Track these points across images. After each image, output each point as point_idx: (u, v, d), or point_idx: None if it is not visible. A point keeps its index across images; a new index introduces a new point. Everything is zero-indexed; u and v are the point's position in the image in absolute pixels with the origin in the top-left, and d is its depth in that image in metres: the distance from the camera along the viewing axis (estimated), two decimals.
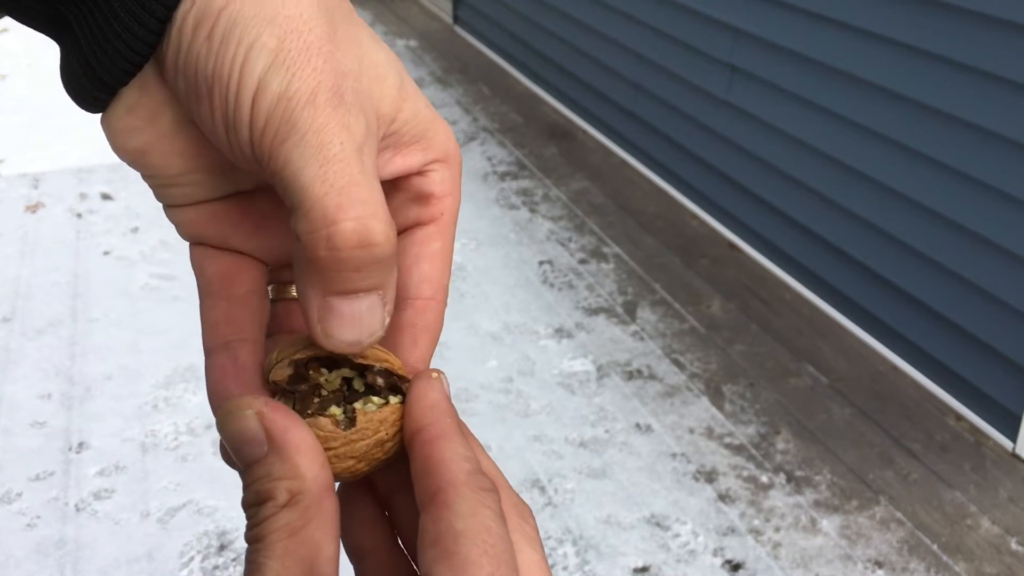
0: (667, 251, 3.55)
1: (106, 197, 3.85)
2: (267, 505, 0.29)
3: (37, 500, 2.33)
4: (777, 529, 2.29)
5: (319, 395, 0.33)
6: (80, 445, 2.51)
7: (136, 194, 3.85)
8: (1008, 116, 2.35)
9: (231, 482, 2.38)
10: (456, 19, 6.35)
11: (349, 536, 0.35)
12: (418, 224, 0.37)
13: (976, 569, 2.18)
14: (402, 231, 0.37)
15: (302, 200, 0.29)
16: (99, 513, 2.29)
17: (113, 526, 2.25)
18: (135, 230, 3.58)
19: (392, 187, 0.37)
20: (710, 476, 2.44)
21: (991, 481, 2.43)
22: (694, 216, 3.80)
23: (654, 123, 4.02)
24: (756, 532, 2.28)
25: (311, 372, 0.33)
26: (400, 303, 0.36)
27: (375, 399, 0.33)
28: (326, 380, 0.33)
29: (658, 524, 2.30)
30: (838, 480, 2.44)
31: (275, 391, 0.33)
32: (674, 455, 2.52)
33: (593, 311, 3.16)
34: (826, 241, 3.08)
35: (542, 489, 2.39)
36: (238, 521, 2.27)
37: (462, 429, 0.33)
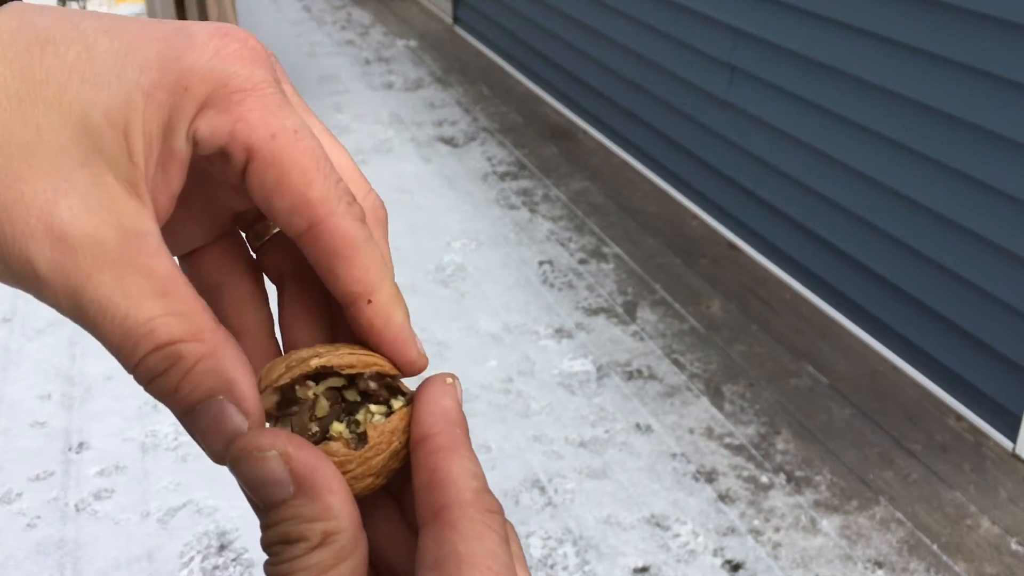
0: (667, 251, 3.55)
1: None
2: (298, 545, 0.28)
3: (37, 500, 2.33)
4: (777, 529, 2.29)
5: (313, 417, 0.32)
6: (80, 445, 2.51)
7: None
8: (1008, 116, 2.35)
9: (231, 482, 2.37)
10: (456, 19, 6.35)
11: (382, 559, 0.33)
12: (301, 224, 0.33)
13: (976, 569, 2.18)
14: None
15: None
16: (99, 513, 2.29)
17: (113, 526, 2.25)
18: None
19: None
20: (710, 476, 2.44)
21: (991, 481, 2.43)
22: (694, 216, 3.80)
23: (654, 123, 4.02)
24: (756, 532, 2.28)
25: (298, 391, 0.32)
26: (343, 306, 0.33)
27: (373, 407, 0.32)
28: (315, 396, 0.32)
29: (658, 524, 2.30)
30: (838, 480, 2.44)
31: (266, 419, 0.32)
32: (674, 455, 2.52)
33: (593, 311, 3.16)
34: (826, 241, 3.08)
35: (542, 489, 2.39)
36: (238, 521, 2.27)
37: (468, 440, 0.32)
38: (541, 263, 3.45)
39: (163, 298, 0.29)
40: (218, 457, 0.30)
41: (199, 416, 0.29)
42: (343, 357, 0.32)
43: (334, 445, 0.31)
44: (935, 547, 2.24)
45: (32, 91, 0.28)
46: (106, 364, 2.83)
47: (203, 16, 4.68)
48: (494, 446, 2.53)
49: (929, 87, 2.57)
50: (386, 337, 0.33)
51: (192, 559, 2.17)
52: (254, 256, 0.37)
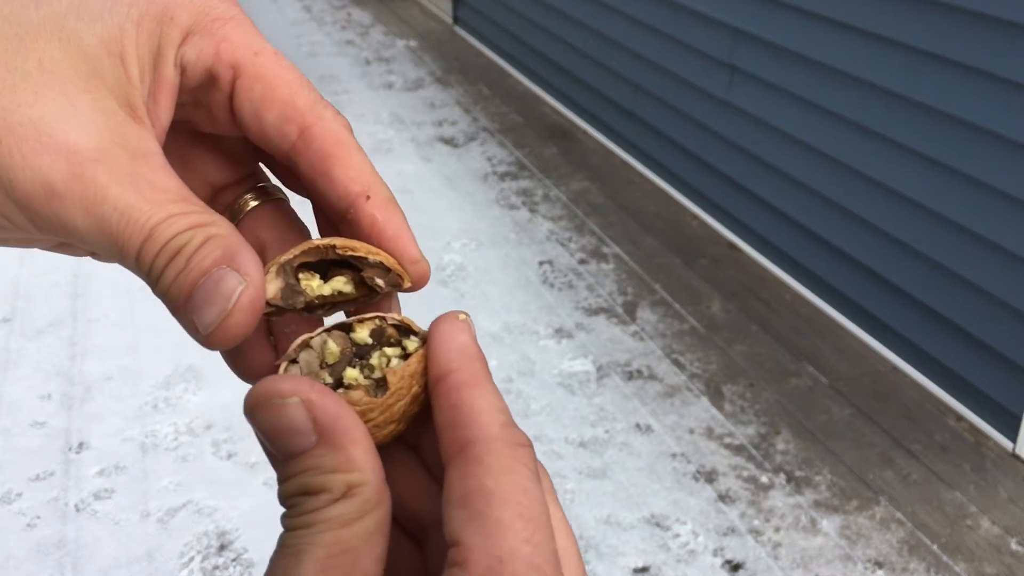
0: (667, 251, 3.55)
1: None
2: (319, 497, 0.27)
3: (37, 500, 2.33)
4: (777, 529, 2.29)
5: (324, 364, 0.31)
6: (80, 445, 2.51)
7: None
8: (1008, 116, 2.35)
9: (231, 482, 2.38)
10: (456, 19, 6.35)
11: (403, 509, 0.32)
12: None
13: (976, 569, 2.18)
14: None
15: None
16: (99, 513, 2.29)
17: (113, 526, 2.25)
18: None
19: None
20: (710, 476, 2.44)
21: (991, 481, 2.43)
22: (694, 216, 3.80)
23: (654, 123, 4.02)
24: (756, 532, 2.28)
25: (301, 280, 0.32)
26: (340, 214, 0.33)
27: (389, 350, 0.31)
28: (319, 292, 0.32)
29: (658, 524, 2.30)
30: (838, 480, 2.44)
31: (269, 310, 0.31)
32: (674, 455, 2.52)
33: (593, 311, 3.16)
34: (826, 241, 3.08)
35: None
36: (238, 521, 2.27)
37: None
38: (541, 263, 3.45)
39: (181, 203, 0.30)
40: (211, 330, 0.29)
41: (199, 289, 0.29)
42: (347, 241, 0.32)
43: (355, 394, 0.30)
44: (935, 547, 2.24)
45: (31, 32, 0.29)
46: (106, 364, 2.83)
47: None
48: None
49: (929, 87, 2.57)
50: (388, 232, 0.33)
51: (192, 559, 2.17)
52: None
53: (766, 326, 3.08)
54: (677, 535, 2.26)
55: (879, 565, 2.19)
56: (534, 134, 4.66)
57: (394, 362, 0.31)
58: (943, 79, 2.52)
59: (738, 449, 2.54)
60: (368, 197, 0.33)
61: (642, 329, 3.06)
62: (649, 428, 2.61)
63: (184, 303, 0.29)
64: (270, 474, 2.40)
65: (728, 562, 2.19)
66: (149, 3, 0.31)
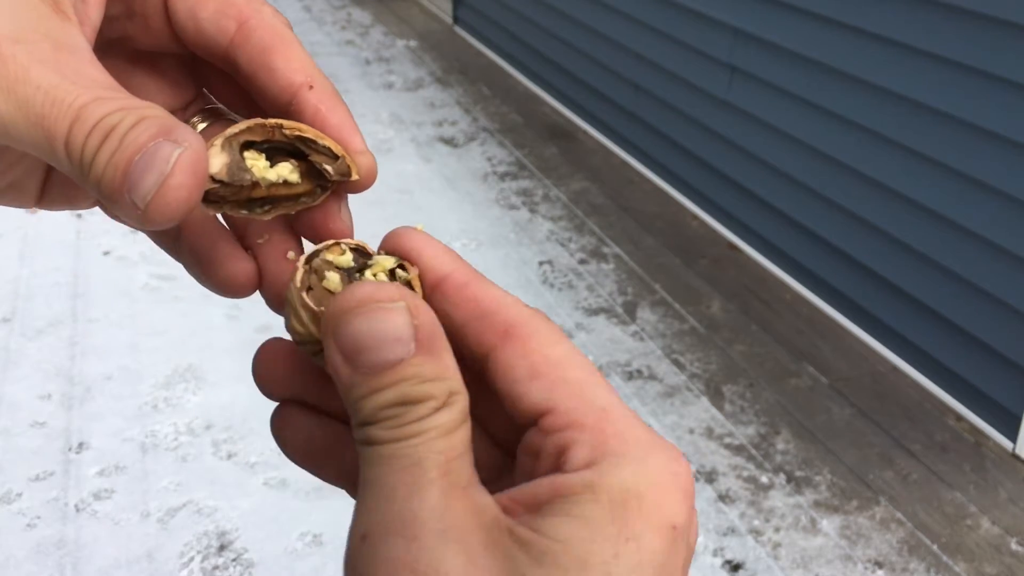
0: (667, 251, 3.55)
1: None
2: (424, 405, 0.26)
3: (37, 500, 2.33)
4: (777, 529, 2.29)
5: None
6: (80, 445, 2.51)
7: None
8: (1008, 116, 2.35)
9: (231, 482, 2.39)
10: (456, 19, 6.35)
11: None
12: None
13: (976, 569, 2.18)
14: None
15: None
16: (99, 513, 2.29)
17: (113, 526, 2.25)
18: (135, 230, 3.58)
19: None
20: (710, 476, 2.44)
21: (991, 481, 2.43)
22: (694, 216, 3.80)
23: (654, 123, 4.02)
24: (756, 532, 2.28)
25: (248, 160, 0.30)
26: (282, 108, 0.32)
27: (375, 266, 0.31)
28: (264, 177, 0.30)
29: None
30: (838, 480, 2.44)
31: (210, 195, 0.30)
32: None
33: (593, 311, 3.16)
34: (826, 241, 3.08)
35: None
36: (238, 521, 2.27)
37: None
38: (541, 263, 3.45)
39: (111, 89, 0.28)
40: (149, 200, 0.27)
41: (134, 166, 0.27)
42: (295, 123, 0.31)
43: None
44: (935, 547, 2.24)
45: None
46: (106, 364, 2.83)
47: None
48: None
49: (929, 87, 2.57)
50: (333, 121, 0.32)
51: (192, 559, 2.17)
52: None
53: (766, 326, 3.08)
54: None
55: (879, 565, 2.19)
56: (534, 134, 4.66)
57: (402, 274, 0.31)
58: (943, 79, 2.52)
59: (738, 449, 2.54)
60: (311, 87, 0.32)
61: (642, 329, 3.06)
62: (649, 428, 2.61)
63: (120, 184, 0.27)
64: (270, 474, 2.41)
65: (728, 562, 2.19)
66: None
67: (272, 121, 0.31)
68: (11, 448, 2.50)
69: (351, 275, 0.31)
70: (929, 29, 2.54)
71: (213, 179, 0.29)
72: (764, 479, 2.44)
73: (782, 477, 2.45)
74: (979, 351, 2.57)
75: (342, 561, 0.28)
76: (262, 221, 0.33)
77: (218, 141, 0.30)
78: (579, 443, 0.27)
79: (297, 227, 0.34)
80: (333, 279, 0.30)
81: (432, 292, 0.30)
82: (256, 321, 2.98)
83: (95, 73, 0.28)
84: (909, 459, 2.51)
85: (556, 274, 3.38)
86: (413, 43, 6.16)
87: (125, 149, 0.27)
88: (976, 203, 2.49)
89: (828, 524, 2.30)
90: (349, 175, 0.32)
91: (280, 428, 0.33)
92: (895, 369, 2.86)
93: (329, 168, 0.31)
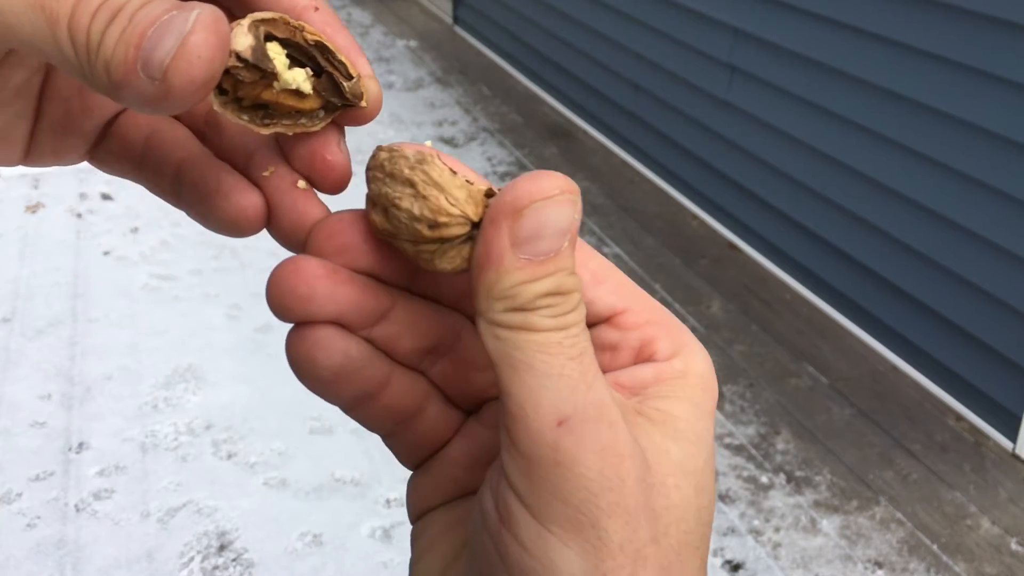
0: (667, 251, 3.55)
1: (106, 197, 3.85)
2: (572, 296, 0.28)
3: (37, 500, 2.33)
4: (777, 529, 2.29)
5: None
6: (80, 445, 2.51)
7: (136, 194, 3.85)
8: (1008, 116, 2.35)
9: (231, 482, 2.39)
10: (456, 19, 6.35)
11: (422, 335, 0.33)
12: None
13: (976, 569, 2.18)
14: None
15: None
16: (99, 513, 2.29)
17: (113, 526, 2.25)
18: (135, 230, 3.58)
19: None
20: None
21: (991, 481, 2.43)
22: (694, 216, 3.80)
23: (654, 123, 4.02)
24: (756, 532, 2.28)
25: (269, 48, 0.30)
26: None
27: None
28: (283, 71, 0.30)
29: None
30: (838, 480, 2.44)
31: (223, 85, 0.29)
32: None
33: None
34: (826, 241, 3.08)
35: None
36: (238, 521, 2.27)
37: None
38: None
39: None
40: (166, 66, 0.25)
41: (148, 40, 0.25)
42: (318, 31, 0.31)
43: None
44: (935, 547, 2.24)
45: None
46: (106, 364, 2.83)
47: None
48: None
49: (929, 87, 2.57)
50: (339, 43, 0.31)
51: (192, 559, 2.17)
52: None
53: (766, 326, 3.08)
54: None
55: (879, 565, 2.19)
56: (534, 134, 4.66)
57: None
58: (943, 79, 2.52)
59: (738, 449, 2.54)
60: (316, 8, 0.31)
61: None
62: None
63: (133, 60, 0.25)
64: (270, 474, 2.41)
65: (728, 562, 2.19)
66: None
67: (297, 21, 0.30)
68: (11, 448, 2.50)
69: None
70: (929, 29, 2.54)
71: (237, 56, 0.28)
72: (764, 479, 2.44)
73: (782, 477, 2.45)
74: (979, 351, 2.57)
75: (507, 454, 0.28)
76: (262, 149, 0.32)
77: (246, 22, 0.29)
78: (661, 337, 0.32)
79: (288, 154, 0.33)
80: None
81: None
82: (256, 321, 2.98)
83: None
84: (909, 459, 2.51)
85: None
86: (413, 43, 6.16)
87: (137, 24, 0.25)
88: (976, 203, 2.49)
89: (828, 524, 2.30)
90: (360, 98, 0.31)
91: (311, 349, 0.31)
92: (895, 369, 2.86)
93: (345, 84, 0.31)
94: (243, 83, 0.29)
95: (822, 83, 2.97)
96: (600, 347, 0.31)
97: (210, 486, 2.37)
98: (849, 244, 2.98)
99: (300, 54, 0.31)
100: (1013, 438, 2.51)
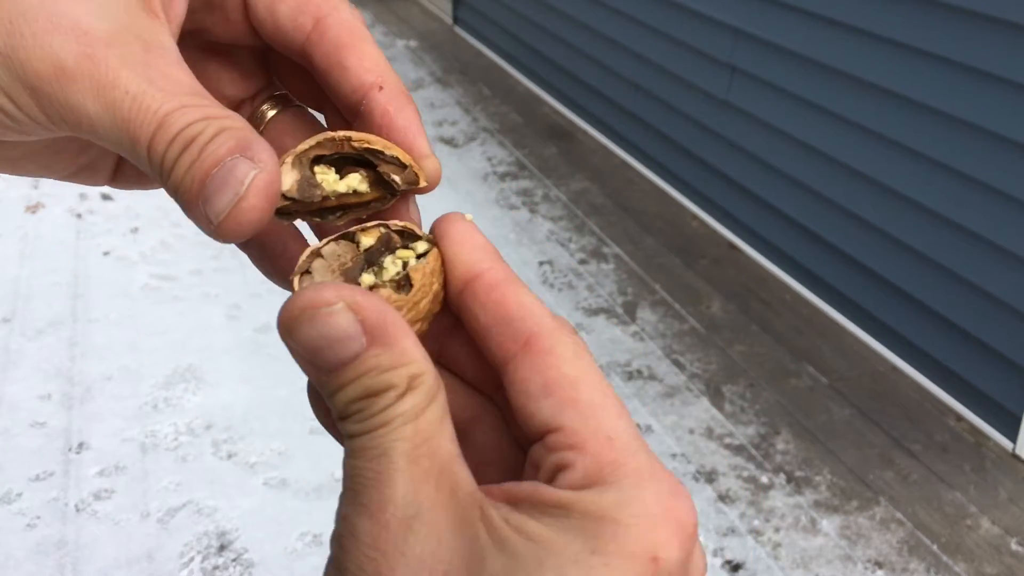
0: (667, 251, 3.55)
1: (106, 197, 3.85)
2: (386, 395, 0.27)
3: (37, 500, 2.33)
4: (777, 529, 2.29)
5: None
6: (80, 445, 2.51)
7: (136, 194, 3.85)
8: (1008, 116, 2.35)
9: (231, 482, 2.38)
10: (456, 19, 6.35)
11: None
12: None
13: (976, 569, 2.18)
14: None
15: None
16: (99, 513, 2.29)
17: (113, 526, 2.25)
18: (135, 230, 3.58)
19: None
20: (710, 476, 2.44)
21: (991, 481, 2.43)
22: (694, 216, 3.80)
23: (654, 123, 4.02)
24: (756, 532, 2.28)
25: (317, 174, 0.31)
26: (353, 107, 0.33)
27: (401, 252, 0.31)
28: (334, 186, 0.31)
29: None
30: (838, 480, 2.44)
31: (281, 210, 0.31)
32: (674, 455, 2.52)
33: (593, 311, 3.16)
34: (826, 241, 3.08)
35: None
36: (238, 521, 2.27)
37: None
38: (541, 263, 3.45)
39: (194, 96, 0.29)
40: (223, 218, 0.28)
41: (211, 179, 0.28)
42: (363, 134, 0.32)
43: (384, 291, 0.30)
44: (935, 547, 2.24)
45: None
46: (106, 364, 2.83)
47: None
48: None
49: (929, 87, 2.57)
50: (399, 123, 0.32)
51: (192, 559, 2.17)
52: None
53: (766, 326, 3.08)
54: None
55: (879, 565, 2.19)
56: (534, 134, 4.66)
57: (411, 263, 0.31)
58: (943, 79, 2.52)
59: (738, 449, 2.54)
60: (381, 88, 0.32)
61: (642, 329, 3.06)
62: (649, 428, 2.61)
63: (196, 194, 0.28)
64: (270, 474, 2.41)
65: (728, 562, 2.19)
66: None
67: (341, 135, 0.31)
68: (11, 448, 2.50)
69: (374, 257, 0.31)
70: (929, 29, 2.54)
71: (284, 196, 0.30)
72: (764, 479, 2.44)
73: (782, 477, 2.45)
74: (979, 351, 2.57)
75: None
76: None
77: (289, 159, 0.31)
78: (575, 466, 0.28)
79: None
80: (344, 257, 0.31)
81: (463, 289, 0.31)
82: (256, 321, 2.98)
83: (181, 75, 0.29)
84: (909, 459, 2.51)
85: (556, 274, 3.38)
86: (413, 43, 6.16)
87: (203, 161, 0.28)
88: (976, 203, 2.49)
89: (828, 524, 2.30)
90: (417, 183, 0.33)
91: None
92: (895, 369, 2.86)
93: (397, 178, 0.32)
94: (302, 203, 0.31)
95: (822, 83, 2.97)
96: (530, 464, 0.30)
97: (210, 486, 2.37)
98: (849, 244, 2.98)
99: (353, 158, 0.32)
100: (1013, 438, 2.51)
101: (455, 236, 0.31)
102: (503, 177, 4.18)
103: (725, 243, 3.59)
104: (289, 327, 0.27)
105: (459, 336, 0.32)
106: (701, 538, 2.29)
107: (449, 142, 4.57)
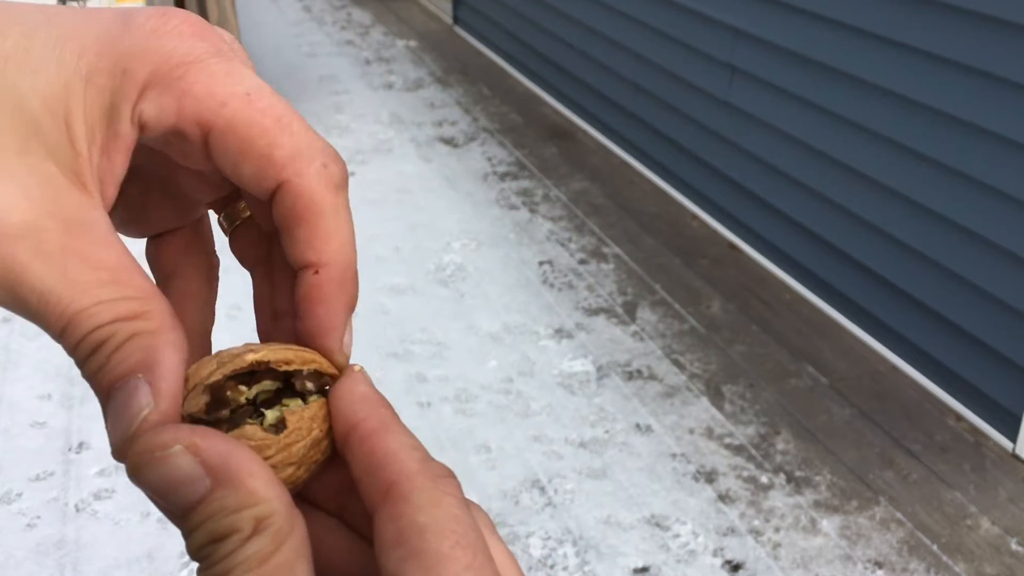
0: (667, 251, 3.55)
1: None
2: (230, 540, 0.26)
3: (37, 500, 2.33)
4: (777, 529, 2.29)
5: (239, 412, 0.30)
6: (80, 445, 2.51)
7: None
8: (1008, 116, 2.35)
9: None
10: (456, 19, 6.35)
11: (336, 572, 0.31)
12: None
13: (976, 569, 2.18)
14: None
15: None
16: (99, 513, 2.29)
17: (113, 526, 2.26)
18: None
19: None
20: (710, 476, 2.45)
21: (991, 481, 2.43)
22: (694, 216, 3.80)
23: (654, 123, 4.02)
24: (756, 532, 2.28)
25: (229, 393, 0.30)
26: (295, 270, 0.32)
27: (288, 401, 0.30)
28: (246, 399, 0.30)
29: (658, 524, 2.30)
30: (838, 480, 2.44)
31: (194, 423, 0.29)
32: (674, 455, 2.52)
33: (593, 311, 3.16)
34: (826, 241, 3.08)
35: (542, 489, 2.39)
36: None
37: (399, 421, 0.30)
38: (541, 263, 3.45)
39: (112, 286, 0.28)
40: (118, 449, 0.27)
41: (112, 397, 0.27)
42: (279, 352, 0.30)
43: (250, 429, 0.29)
44: (935, 547, 2.24)
45: None
46: None
47: (202, 15, 4.67)
48: (494, 446, 2.53)
49: (929, 87, 2.57)
50: (317, 312, 0.31)
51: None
52: (224, 241, 0.36)
53: (766, 326, 3.08)
54: (677, 535, 2.26)
55: (879, 565, 2.19)
56: (534, 134, 4.66)
57: (292, 405, 0.30)
58: (943, 79, 2.52)
59: (738, 449, 2.54)
60: (316, 272, 0.31)
61: (642, 329, 3.06)
62: (649, 428, 2.61)
63: (104, 402, 0.28)
64: None
65: (728, 562, 2.19)
66: (99, 54, 0.28)
67: (257, 358, 0.30)
68: (11, 448, 2.50)
69: (274, 396, 0.31)
70: (929, 29, 2.54)
71: (191, 417, 0.29)
72: (764, 479, 2.44)
73: (782, 477, 2.45)
74: (979, 351, 2.57)
75: None
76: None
77: (199, 387, 0.29)
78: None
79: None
80: (255, 429, 0.30)
81: (343, 443, 0.30)
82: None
83: (103, 256, 0.28)
84: (909, 459, 2.51)
85: (556, 274, 3.38)
86: (413, 43, 6.16)
87: (107, 372, 0.27)
88: (976, 203, 2.49)
89: (828, 524, 2.30)
90: (332, 382, 0.31)
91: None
92: (895, 369, 2.86)
93: (311, 385, 0.31)
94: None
95: (822, 83, 2.97)
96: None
97: None
98: (849, 244, 2.98)
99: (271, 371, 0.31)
100: (1013, 438, 2.51)
101: (339, 389, 0.30)
102: (503, 177, 4.18)
103: (725, 243, 3.59)
104: (135, 474, 0.27)
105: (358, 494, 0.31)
106: (701, 538, 2.30)
107: (449, 142, 4.57)
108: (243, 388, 0.30)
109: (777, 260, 3.36)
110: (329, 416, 0.30)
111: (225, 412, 0.29)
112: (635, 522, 2.30)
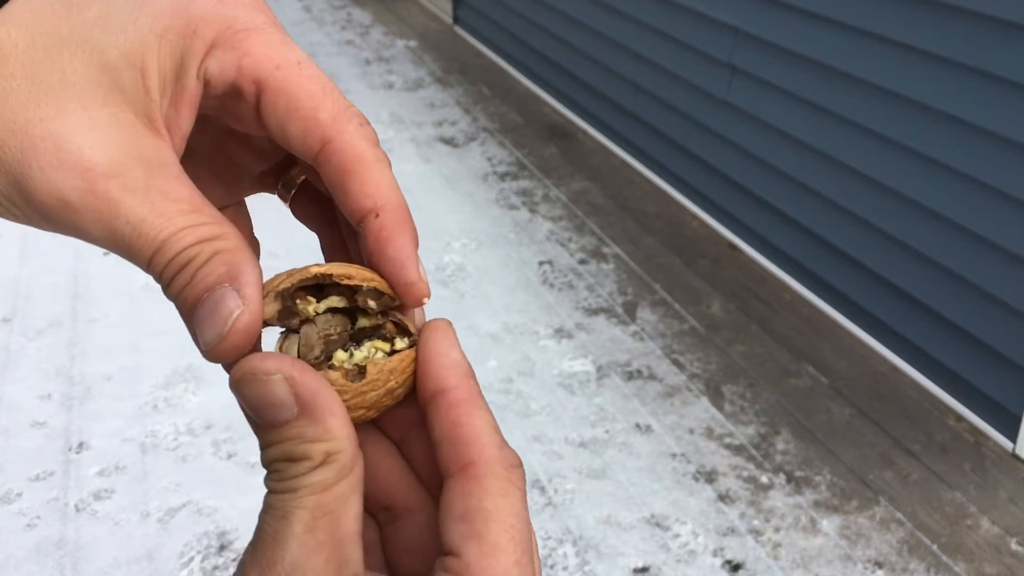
0: (667, 251, 3.55)
1: None
2: (301, 464, 0.29)
3: (37, 500, 2.33)
4: (777, 529, 2.29)
5: (320, 336, 0.33)
6: (80, 445, 2.51)
7: None
8: (1008, 116, 2.35)
9: (231, 482, 2.38)
10: (456, 19, 6.35)
11: (382, 492, 0.35)
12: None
13: (976, 569, 2.18)
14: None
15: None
16: (99, 513, 2.29)
17: (113, 526, 2.25)
18: None
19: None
20: (710, 476, 2.44)
21: (991, 481, 2.43)
22: (694, 216, 3.80)
23: (654, 123, 4.02)
24: (756, 532, 2.28)
25: (298, 303, 0.33)
26: (354, 226, 0.34)
27: (380, 343, 0.33)
28: (315, 312, 0.33)
29: (658, 524, 2.30)
30: (838, 480, 2.44)
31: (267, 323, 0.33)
32: (674, 455, 2.52)
33: (593, 311, 3.16)
34: (826, 241, 3.08)
35: (542, 489, 2.39)
36: (238, 521, 2.27)
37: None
38: (541, 263, 3.45)
39: (193, 214, 0.31)
40: (211, 349, 0.30)
41: (202, 305, 0.31)
42: (342, 267, 0.33)
43: (333, 374, 0.32)
44: (935, 547, 2.24)
45: (58, 43, 0.31)
46: (106, 364, 2.83)
47: None
48: None
49: (929, 87, 2.57)
50: (388, 252, 0.34)
51: (192, 559, 2.17)
52: (284, 209, 0.39)
53: (766, 326, 3.08)
54: (677, 535, 2.26)
55: (879, 565, 2.19)
56: (534, 134, 4.66)
57: (379, 355, 0.33)
58: (943, 79, 2.52)
59: (738, 449, 2.54)
60: (377, 215, 0.34)
61: (642, 329, 3.06)
62: (649, 428, 2.61)
63: (189, 316, 0.31)
64: None
65: (728, 562, 2.19)
66: (173, 16, 0.32)
67: (321, 270, 0.33)
68: (11, 448, 2.50)
69: (361, 337, 0.33)
70: (929, 29, 2.54)
71: (265, 322, 0.32)
72: (764, 479, 2.44)
73: (782, 477, 2.45)
74: (979, 351, 2.57)
75: None
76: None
77: (271, 294, 0.32)
78: None
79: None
80: (330, 329, 0.33)
81: (429, 400, 0.32)
82: None
83: (182, 191, 0.31)
84: (909, 459, 2.51)
85: (556, 274, 3.38)
86: (413, 43, 6.16)
87: (195, 286, 0.31)
88: (976, 203, 2.49)
89: (828, 524, 2.30)
90: (393, 305, 0.34)
91: None
92: (895, 369, 2.86)
93: (372, 304, 0.34)
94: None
95: (822, 83, 2.97)
96: (434, 570, 0.32)
97: (210, 486, 2.37)
98: (849, 244, 2.98)
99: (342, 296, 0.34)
100: (1013, 438, 2.51)
101: (433, 348, 0.33)
102: (503, 177, 4.18)
103: (725, 243, 3.59)
104: (236, 385, 0.30)
105: (424, 432, 0.33)
106: (701, 538, 2.30)
107: (449, 142, 4.57)
108: (311, 299, 0.33)
109: (777, 260, 3.36)
110: (410, 370, 0.33)
111: (295, 321, 0.33)
112: (635, 522, 2.30)
